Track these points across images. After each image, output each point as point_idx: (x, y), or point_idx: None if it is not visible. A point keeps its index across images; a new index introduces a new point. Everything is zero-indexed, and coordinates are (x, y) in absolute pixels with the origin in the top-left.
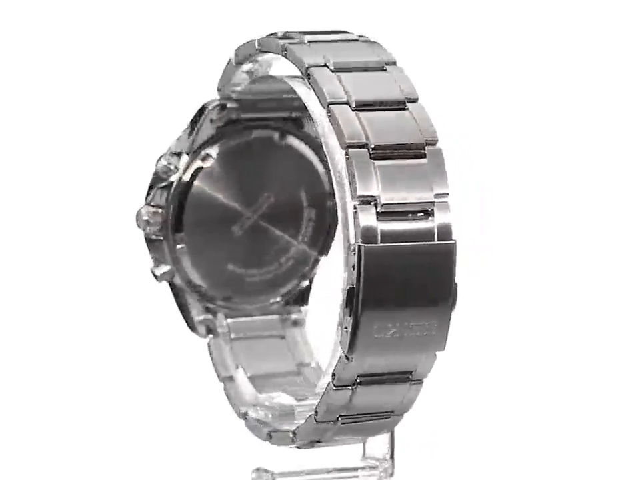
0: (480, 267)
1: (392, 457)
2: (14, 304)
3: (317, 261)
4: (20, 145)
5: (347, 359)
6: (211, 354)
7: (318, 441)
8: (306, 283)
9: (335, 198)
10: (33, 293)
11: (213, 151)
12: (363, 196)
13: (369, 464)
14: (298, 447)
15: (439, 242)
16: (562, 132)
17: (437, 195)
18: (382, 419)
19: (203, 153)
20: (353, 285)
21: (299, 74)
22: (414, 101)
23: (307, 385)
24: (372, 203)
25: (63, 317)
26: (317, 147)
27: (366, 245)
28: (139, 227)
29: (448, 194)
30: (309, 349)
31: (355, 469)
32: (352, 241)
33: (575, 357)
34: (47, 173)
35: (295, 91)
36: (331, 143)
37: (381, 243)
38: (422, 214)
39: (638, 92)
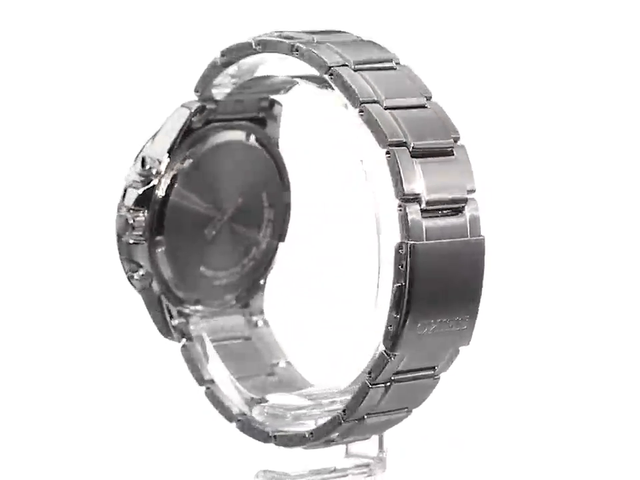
0: None
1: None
2: None
3: (274, 255)
4: None
5: (388, 356)
6: (186, 358)
7: (332, 440)
8: (261, 282)
9: (288, 195)
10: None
11: (192, 152)
12: (409, 193)
13: (362, 462)
14: (305, 448)
15: (473, 237)
16: (562, 131)
17: (468, 191)
18: (396, 415)
19: (181, 155)
20: (400, 283)
21: (295, 74)
22: (429, 98)
23: (281, 385)
24: (415, 200)
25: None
26: (273, 146)
27: (415, 242)
28: (119, 229)
29: (475, 190)
30: (276, 348)
31: (354, 468)
32: (392, 239)
33: (574, 358)
34: (14, 173)
35: (280, 91)
36: (363, 141)
37: (426, 240)
38: (456, 210)
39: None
